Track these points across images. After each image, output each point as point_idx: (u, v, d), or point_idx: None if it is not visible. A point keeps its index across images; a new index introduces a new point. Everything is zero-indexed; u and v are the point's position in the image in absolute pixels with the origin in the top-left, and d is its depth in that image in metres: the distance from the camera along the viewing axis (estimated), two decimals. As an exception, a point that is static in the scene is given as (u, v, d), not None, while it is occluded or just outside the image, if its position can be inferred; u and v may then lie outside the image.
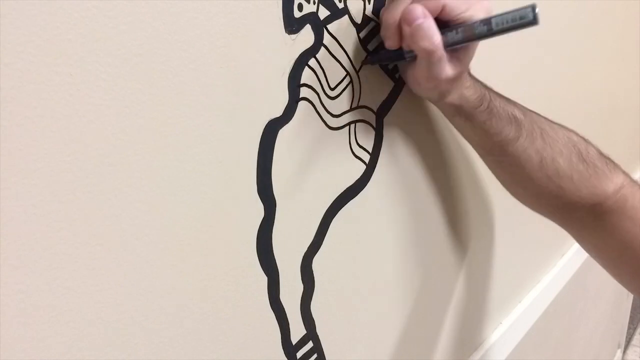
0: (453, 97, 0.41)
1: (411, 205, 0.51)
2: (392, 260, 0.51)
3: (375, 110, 0.44)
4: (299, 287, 0.41)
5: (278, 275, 0.39)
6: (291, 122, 0.36)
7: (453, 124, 0.46)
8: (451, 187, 0.57)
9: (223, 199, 0.34)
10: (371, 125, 0.44)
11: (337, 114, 0.40)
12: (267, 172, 0.36)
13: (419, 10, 0.35)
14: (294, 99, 0.36)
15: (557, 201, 0.46)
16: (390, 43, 0.38)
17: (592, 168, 0.45)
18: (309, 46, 0.36)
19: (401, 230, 0.52)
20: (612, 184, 0.45)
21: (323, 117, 0.39)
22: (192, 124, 0.31)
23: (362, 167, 0.44)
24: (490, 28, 0.34)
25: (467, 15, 0.36)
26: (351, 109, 0.41)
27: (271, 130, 0.35)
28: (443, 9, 0.35)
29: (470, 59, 0.39)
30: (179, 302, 0.33)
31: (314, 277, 0.42)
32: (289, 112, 0.36)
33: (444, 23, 0.36)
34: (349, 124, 0.41)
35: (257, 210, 0.36)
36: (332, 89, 0.39)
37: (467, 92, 0.41)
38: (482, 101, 0.42)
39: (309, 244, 0.41)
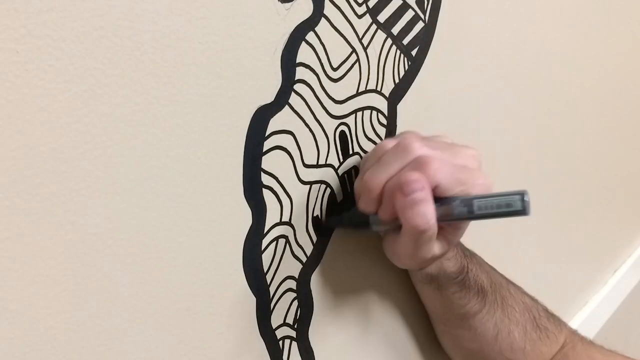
0: (432, 269, 0.43)
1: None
2: (407, 278, 0.51)
3: (387, 95, 0.44)
4: (295, 310, 0.41)
5: (269, 296, 0.39)
6: (285, 109, 0.36)
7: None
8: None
9: (202, 203, 0.33)
10: (382, 113, 0.44)
11: (340, 99, 0.40)
12: (255, 170, 0.36)
13: (420, 180, 0.34)
14: (289, 81, 0.36)
15: None
16: (366, 207, 0.37)
17: (544, 332, 0.50)
18: (306, 17, 0.36)
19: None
20: (557, 344, 0.51)
21: (324, 103, 0.39)
22: (164, 111, 0.30)
23: (372, 165, 0.44)
24: (472, 211, 0.34)
25: (459, 190, 0.35)
26: (358, 94, 0.41)
27: (261, 120, 0.35)
28: (437, 186, 0.35)
29: (460, 237, 0.39)
30: (146, 329, 0.32)
31: (312, 299, 0.42)
32: (282, 98, 0.36)
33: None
34: (355, 111, 0.41)
35: (244, 216, 0.36)
36: (335, 69, 0.39)
37: (447, 264, 0.44)
38: (460, 273, 0.44)
39: (306, 258, 0.41)
